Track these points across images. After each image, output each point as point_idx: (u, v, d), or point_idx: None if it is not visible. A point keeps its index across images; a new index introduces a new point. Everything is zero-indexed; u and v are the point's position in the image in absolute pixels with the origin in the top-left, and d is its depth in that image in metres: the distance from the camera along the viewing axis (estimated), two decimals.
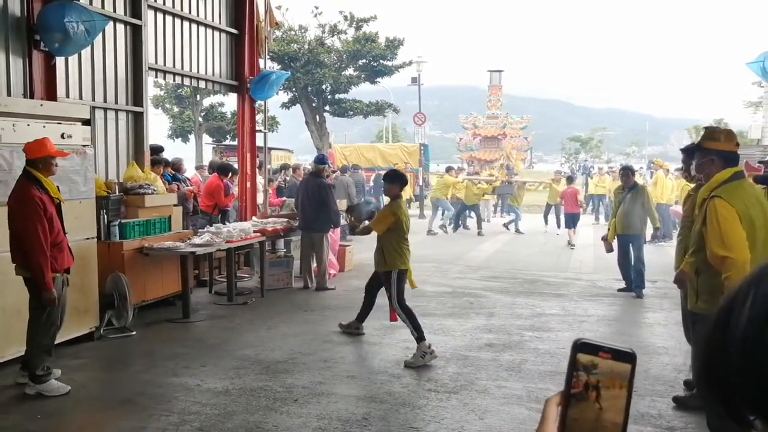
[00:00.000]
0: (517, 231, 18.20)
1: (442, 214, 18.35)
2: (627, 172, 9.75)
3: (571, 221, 15.51)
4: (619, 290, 9.77)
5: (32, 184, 5.28)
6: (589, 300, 9.21)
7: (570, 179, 18.00)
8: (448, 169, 19.77)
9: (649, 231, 9.82)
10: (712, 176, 3.87)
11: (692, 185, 5.42)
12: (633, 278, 9.54)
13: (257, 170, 12.27)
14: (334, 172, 18.72)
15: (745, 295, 0.71)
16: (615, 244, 9.60)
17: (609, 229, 9.69)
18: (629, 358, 0.84)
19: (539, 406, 5.16)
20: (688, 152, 4.51)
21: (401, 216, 6.60)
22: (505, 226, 18.90)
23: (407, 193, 19.76)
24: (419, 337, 6.29)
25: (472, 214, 18.73)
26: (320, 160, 10.60)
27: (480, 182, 19.70)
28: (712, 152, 3.91)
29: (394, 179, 6.87)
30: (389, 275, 6.59)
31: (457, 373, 5.95)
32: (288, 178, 16.06)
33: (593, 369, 0.84)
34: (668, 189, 16.31)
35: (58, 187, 5.63)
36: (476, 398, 5.33)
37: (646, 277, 9.54)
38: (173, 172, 10.45)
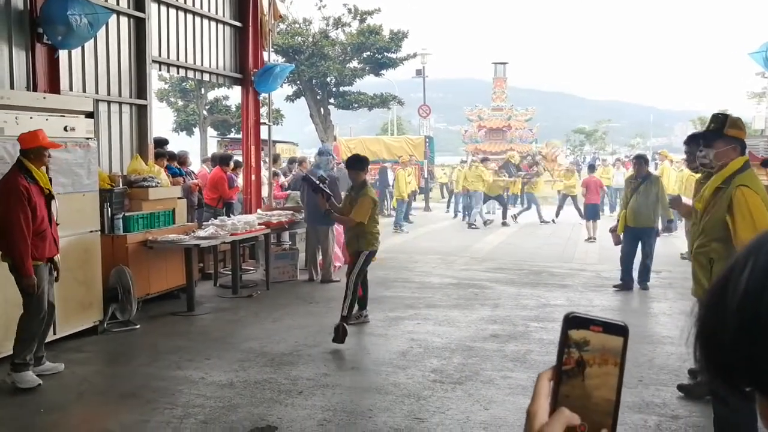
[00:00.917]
0: (542, 220, 18.26)
1: (476, 205, 17.96)
2: (640, 160, 9.26)
3: (593, 212, 14.95)
4: (615, 287, 9.21)
5: (21, 173, 5.35)
6: (594, 291, 9.17)
7: (592, 168, 17.89)
8: (484, 160, 19.46)
9: (659, 223, 9.50)
10: (725, 164, 3.83)
11: (698, 175, 5.33)
12: (639, 272, 9.19)
13: (273, 163, 12.30)
14: (338, 164, 18.72)
15: (742, 266, 0.69)
16: (622, 236, 9.10)
17: (618, 221, 9.16)
18: (621, 331, 0.82)
19: None
20: (695, 140, 4.45)
21: (376, 200, 6.97)
22: (514, 217, 18.77)
23: (412, 185, 19.61)
24: (346, 316, 6.56)
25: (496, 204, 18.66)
26: (324, 151, 10.64)
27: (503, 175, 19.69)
28: (736, 140, 3.88)
29: (364, 165, 7.09)
30: (360, 254, 6.86)
31: (462, 364, 5.93)
32: (294, 172, 16.06)
33: (585, 345, 0.82)
34: (674, 180, 16.22)
35: (50, 178, 5.64)
36: (481, 389, 5.31)
37: (651, 267, 9.27)
38: (179, 165, 10.45)
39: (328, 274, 9.77)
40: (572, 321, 0.83)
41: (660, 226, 9.51)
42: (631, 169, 11.50)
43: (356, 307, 7.16)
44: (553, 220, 18.51)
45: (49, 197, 5.51)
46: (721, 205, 3.72)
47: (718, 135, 3.92)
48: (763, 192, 3.67)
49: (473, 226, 17.27)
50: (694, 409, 4.84)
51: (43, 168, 5.56)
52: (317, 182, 7.30)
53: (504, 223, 17.83)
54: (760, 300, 0.66)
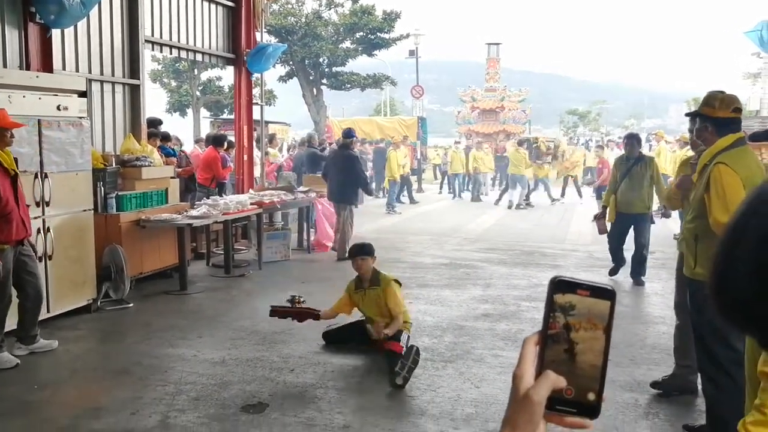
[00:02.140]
0: (553, 200, 18.50)
1: (519, 192, 17.82)
2: (632, 140, 8.42)
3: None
4: (611, 273, 8.67)
5: None
6: (586, 270, 9.23)
7: (602, 148, 17.96)
8: (521, 143, 19.40)
9: (655, 207, 9.12)
10: (709, 143, 3.82)
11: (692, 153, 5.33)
12: (633, 265, 8.43)
13: (269, 143, 12.29)
14: (330, 144, 18.67)
15: (753, 211, 0.68)
16: (611, 224, 8.38)
17: (606, 206, 8.37)
18: (608, 294, 0.82)
19: None
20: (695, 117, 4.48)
21: (399, 282, 5.97)
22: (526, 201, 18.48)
23: (407, 167, 19.54)
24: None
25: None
26: (348, 134, 10.71)
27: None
28: (707, 119, 3.86)
29: (370, 251, 5.90)
30: (401, 335, 5.67)
31: (453, 343, 5.99)
32: (294, 152, 16.10)
33: (571, 309, 0.82)
34: (669, 161, 16.23)
35: (16, 159, 5.51)
36: (472, 367, 5.36)
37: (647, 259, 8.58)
38: (173, 146, 10.45)
39: (342, 252, 9.67)
40: (558, 285, 0.83)
41: (654, 212, 8.92)
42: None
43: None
44: (561, 200, 18.80)
45: (14, 178, 5.37)
46: (703, 182, 3.73)
47: (698, 114, 3.99)
48: (747, 171, 3.61)
49: (521, 207, 17.41)
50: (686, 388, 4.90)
51: (8, 149, 5.37)
52: (293, 307, 5.83)
53: (522, 205, 17.74)
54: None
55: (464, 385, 5.00)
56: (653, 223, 8.68)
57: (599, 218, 8.49)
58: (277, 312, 5.73)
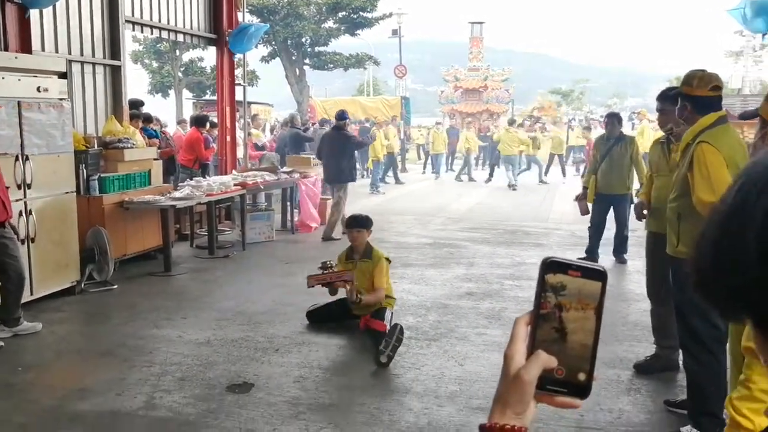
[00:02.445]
0: (542, 181, 18.53)
1: (512, 172, 17.74)
2: (613, 119, 8.34)
3: None
4: (587, 252, 8.48)
5: None
6: (569, 249, 9.30)
7: (588, 129, 17.92)
8: (512, 122, 19.30)
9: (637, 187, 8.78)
10: (690, 122, 3.83)
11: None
12: (615, 243, 8.48)
13: (253, 123, 12.22)
14: (313, 124, 18.61)
15: (756, 196, 0.63)
16: (592, 205, 8.32)
17: (587, 187, 8.27)
18: (600, 275, 0.83)
19: None
20: (666, 98, 4.48)
21: (389, 259, 5.98)
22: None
23: (392, 146, 19.45)
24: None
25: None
26: (341, 115, 10.72)
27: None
28: (685, 97, 3.87)
29: (368, 224, 5.96)
30: (384, 312, 5.70)
31: (437, 321, 6.05)
32: (277, 132, 16.04)
33: (562, 290, 0.83)
34: (653, 139, 16.21)
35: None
36: (456, 345, 5.42)
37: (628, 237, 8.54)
38: (155, 128, 10.38)
39: (329, 231, 9.87)
40: (550, 265, 0.83)
41: (635, 193, 8.62)
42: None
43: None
44: (546, 181, 18.89)
45: None
46: (686, 161, 3.73)
47: (678, 92, 4.01)
48: (730, 150, 3.62)
49: (513, 187, 17.23)
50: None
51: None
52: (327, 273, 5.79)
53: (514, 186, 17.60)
54: None
55: (448, 363, 5.05)
56: (632, 203, 8.57)
57: (580, 199, 8.41)
58: (314, 280, 5.66)
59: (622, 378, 4.76)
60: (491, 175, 19.10)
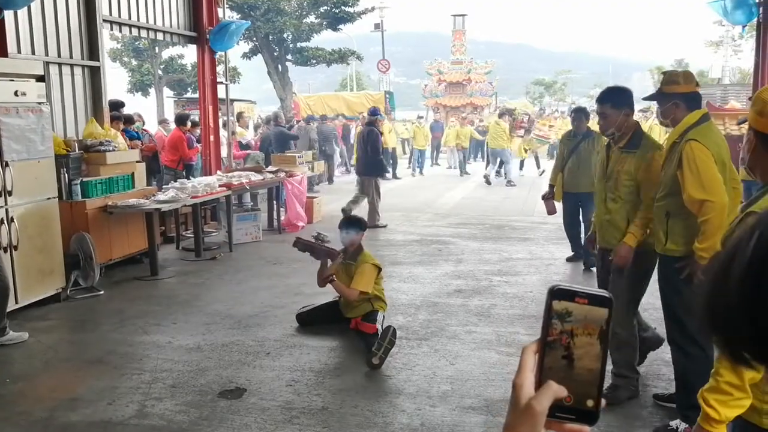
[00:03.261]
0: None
1: (499, 166, 17.54)
2: (580, 115, 8.03)
3: None
4: (568, 259, 8.23)
5: None
6: (556, 243, 9.32)
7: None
8: (502, 115, 18.83)
9: None
10: (678, 120, 3.84)
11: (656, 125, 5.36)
12: (585, 248, 7.38)
13: (237, 121, 12.14)
14: (298, 122, 18.52)
15: (749, 238, 0.71)
16: (561, 204, 8.03)
17: (553, 185, 7.94)
18: (606, 302, 0.84)
19: (509, 350, 5.27)
20: (653, 99, 4.46)
21: (380, 266, 5.83)
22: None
23: (389, 142, 18.91)
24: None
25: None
26: (374, 112, 11.44)
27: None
28: (674, 96, 3.88)
29: (361, 226, 5.93)
30: (375, 315, 5.62)
31: (427, 320, 6.03)
32: (261, 130, 15.92)
33: (568, 316, 0.83)
34: None
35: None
36: (447, 344, 5.41)
37: None
38: (137, 129, 10.28)
39: (372, 220, 10.31)
40: (557, 293, 0.84)
41: None
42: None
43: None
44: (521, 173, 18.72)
45: None
46: (674, 159, 3.74)
47: (659, 94, 3.98)
48: (716, 147, 3.67)
49: (512, 183, 16.83)
50: (655, 358, 5.00)
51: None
52: (315, 242, 5.95)
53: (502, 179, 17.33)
54: (764, 271, 0.67)
55: (439, 362, 5.04)
56: None
57: (547, 198, 7.98)
58: (300, 243, 5.78)
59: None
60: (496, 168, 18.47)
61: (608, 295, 0.84)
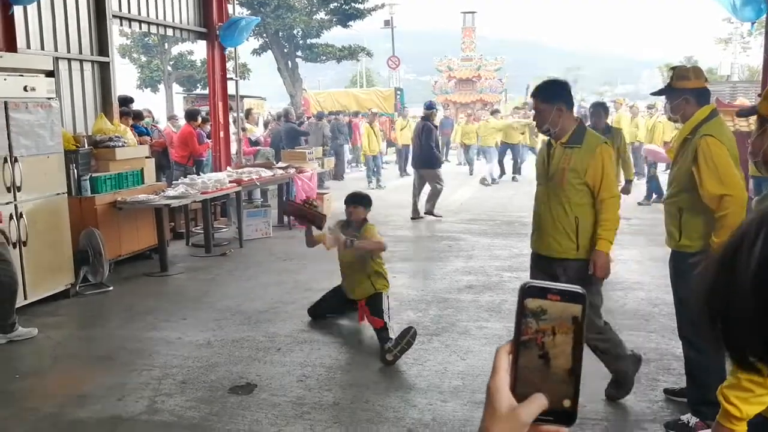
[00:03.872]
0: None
1: (489, 166, 17.09)
2: (599, 109, 7.78)
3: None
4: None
5: None
6: None
7: (585, 118, 17.07)
8: (494, 113, 18.63)
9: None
10: (688, 116, 3.80)
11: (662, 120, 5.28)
12: None
13: (246, 118, 12.12)
14: (308, 118, 18.47)
15: (755, 235, 0.67)
16: None
17: None
18: (579, 298, 0.80)
19: None
20: (662, 95, 4.35)
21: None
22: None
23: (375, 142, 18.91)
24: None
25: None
26: (429, 105, 11.84)
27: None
28: (684, 91, 3.83)
29: (366, 202, 5.82)
30: (379, 297, 5.51)
31: (438, 316, 5.98)
32: (271, 126, 15.88)
33: (542, 315, 0.80)
34: (642, 127, 15.88)
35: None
36: (458, 339, 5.36)
37: None
38: (146, 125, 10.28)
39: (430, 207, 11.01)
40: (529, 290, 0.81)
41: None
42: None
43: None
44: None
45: None
46: (687, 155, 3.70)
47: (668, 89, 3.90)
48: (729, 141, 3.65)
49: (486, 182, 16.55)
50: (665, 352, 4.95)
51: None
52: (305, 206, 6.04)
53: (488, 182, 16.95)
54: None
55: (451, 357, 5.00)
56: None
57: None
58: (291, 207, 5.94)
59: None
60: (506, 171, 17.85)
61: (581, 291, 0.80)
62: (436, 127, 11.46)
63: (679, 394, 4.17)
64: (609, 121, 8.47)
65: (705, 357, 3.69)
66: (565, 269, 4.03)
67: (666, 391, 4.32)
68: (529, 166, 18.81)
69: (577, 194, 3.96)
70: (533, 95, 4.11)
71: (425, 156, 11.09)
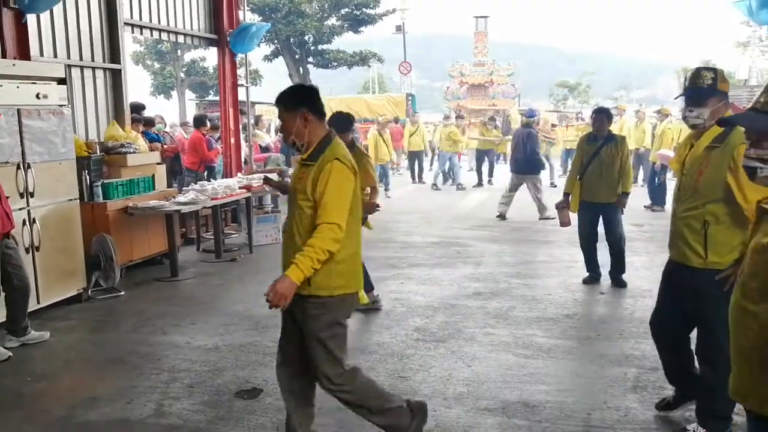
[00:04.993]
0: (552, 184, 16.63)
1: (447, 170, 17.29)
2: (602, 116, 7.26)
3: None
4: (585, 281, 7.34)
5: None
6: (576, 246, 9.16)
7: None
8: (458, 118, 18.52)
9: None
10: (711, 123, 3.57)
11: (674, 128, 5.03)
12: (612, 262, 7.22)
13: (255, 124, 12.20)
14: None
15: None
16: (578, 215, 7.35)
17: (569, 194, 7.27)
18: None
19: (526, 351, 5.24)
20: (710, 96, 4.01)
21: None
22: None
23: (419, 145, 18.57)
24: None
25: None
26: (530, 114, 12.87)
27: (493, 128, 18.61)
28: (725, 95, 3.62)
29: (349, 124, 5.93)
30: None
31: (444, 322, 6.00)
32: (280, 133, 15.93)
33: None
34: (634, 133, 15.40)
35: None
36: (464, 346, 5.38)
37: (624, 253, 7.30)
38: (157, 132, 10.37)
39: (543, 212, 11.51)
40: None
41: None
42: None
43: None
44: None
45: None
46: (718, 164, 3.48)
47: (713, 91, 3.57)
48: None
49: (435, 187, 16.83)
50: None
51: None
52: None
53: (489, 181, 17.29)
54: None
55: (456, 364, 5.02)
56: (622, 213, 7.28)
57: (561, 207, 7.33)
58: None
59: (629, 375, 4.73)
60: (481, 179, 17.78)
61: None
62: (535, 134, 12.08)
63: (668, 407, 4.12)
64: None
65: (720, 375, 3.62)
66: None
67: (657, 407, 4.19)
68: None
69: (308, 220, 3.31)
70: (276, 102, 3.49)
71: (530, 161, 11.62)
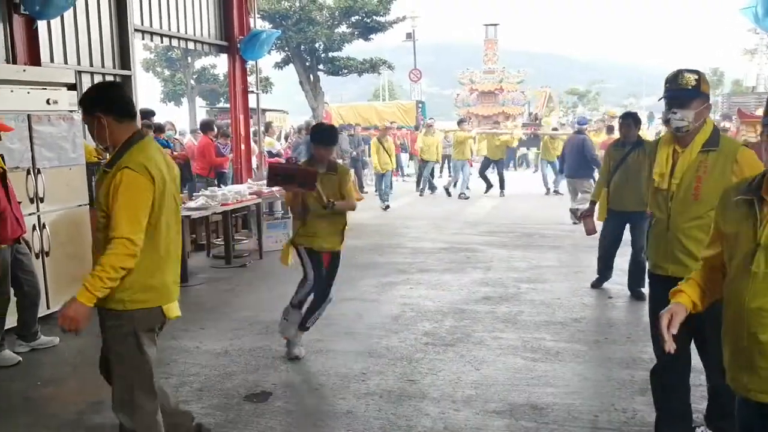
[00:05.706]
0: (556, 192, 16.40)
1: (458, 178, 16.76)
2: (629, 121, 6.95)
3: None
4: (593, 285, 7.29)
5: None
6: (585, 251, 9.18)
7: (611, 129, 15.34)
8: (461, 122, 17.82)
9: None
10: (700, 126, 3.46)
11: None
12: (629, 274, 6.99)
13: (265, 131, 12.23)
14: None
15: None
16: (603, 223, 7.13)
17: (595, 202, 7.04)
18: None
19: (534, 355, 5.22)
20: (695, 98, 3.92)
21: None
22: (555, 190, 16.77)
23: (431, 152, 17.55)
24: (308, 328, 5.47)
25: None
26: (582, 122, 13.75)
27: (500, 136, 17.86)
28: (708, 97, 3.52)
29: (334, 139, 5.51)
30: (338, 255, 5.50)
31: (453, 327, 5.99)
32: (292, 139, 15.98)
33: None
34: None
35: (2, 156, 5.38)
36: (473, 350, 5.37)
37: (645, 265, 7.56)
38: (167, 138, 10.42)
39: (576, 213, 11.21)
40: None
41: None
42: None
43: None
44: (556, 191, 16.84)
45: (2, 175, 5.24)
46: (720, 169, 3.37)
47: (697, 93, 3.43)
48: None
49: (463, 196, 16.19)
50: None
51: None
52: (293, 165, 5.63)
53: (500, 194, 16.60)
54: None
55: (465, 367, 5.00)
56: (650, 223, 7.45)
57: (586, 216, 7.02)
58: (278, 170, 5.32)
59: (636, 378, 4.70)
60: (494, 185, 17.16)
61: None
62: (586, 140, 12.30)
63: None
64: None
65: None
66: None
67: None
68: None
69: (104, 234, 3.14)
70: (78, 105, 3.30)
71: (584, 166, 11.80)
